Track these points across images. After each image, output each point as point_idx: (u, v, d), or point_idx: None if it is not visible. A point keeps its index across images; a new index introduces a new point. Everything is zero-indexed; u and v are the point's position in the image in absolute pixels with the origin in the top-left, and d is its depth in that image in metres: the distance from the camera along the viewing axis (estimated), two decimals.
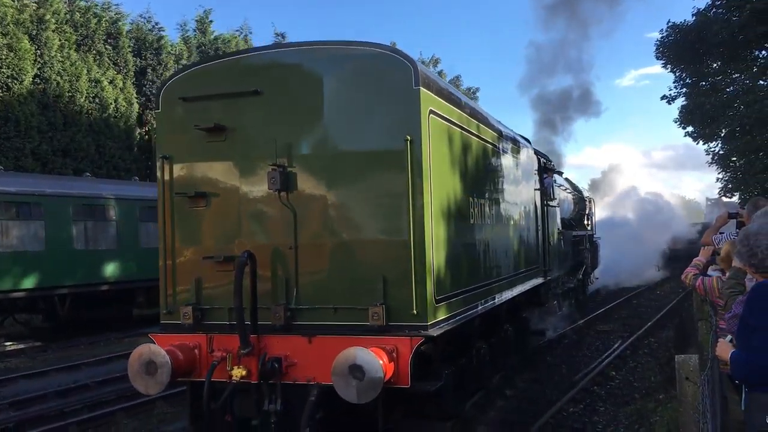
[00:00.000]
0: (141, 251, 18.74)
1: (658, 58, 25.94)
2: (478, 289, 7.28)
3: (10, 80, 22.52)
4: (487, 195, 7.99)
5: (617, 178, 53.27)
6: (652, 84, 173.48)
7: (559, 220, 14.64)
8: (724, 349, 3.44)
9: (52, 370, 12.61)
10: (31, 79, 23.44)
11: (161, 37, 30.75)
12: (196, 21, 34.62)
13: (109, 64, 27.57)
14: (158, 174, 6.44)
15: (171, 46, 30.99)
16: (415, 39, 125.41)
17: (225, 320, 6.07)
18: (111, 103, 26.58)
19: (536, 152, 12.15)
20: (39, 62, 23.89)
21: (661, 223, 38.34)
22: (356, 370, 5.16)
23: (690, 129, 25.79)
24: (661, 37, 25.15)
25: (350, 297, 5.77)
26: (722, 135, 24.54)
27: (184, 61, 30.70)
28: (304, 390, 5.60)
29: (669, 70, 25.99)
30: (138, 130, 28.76)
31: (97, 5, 28.19)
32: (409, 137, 5.64)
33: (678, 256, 33.40)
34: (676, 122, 26.13)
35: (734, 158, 24.74)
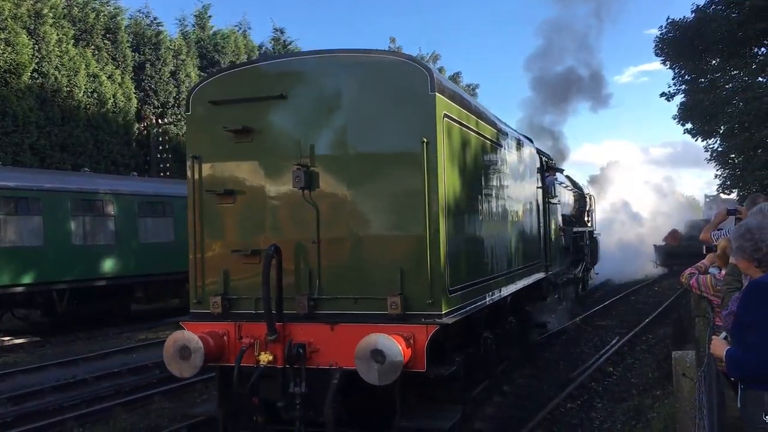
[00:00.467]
0: (139, 247, 18.75)
1: (657, 54, 25.93)
2: (486, 281, 7.67)
3: (8, 75, 22.48)
4: (493, 193, 8.36)
5: (616, 174, 53.29)
6: (650, 81, 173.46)
7: (560, 217, 14.98)
8: (719, 346, 3.43)
9: (50, 365, 12.62)
10: (29, 74, 23.39)
11: (160, 32, 30.72)
12: (195, 16, 34.65)
13: (108, 59, 27.52)
14: (188, 173, 6.81)
15: (170, 41, 30.95)
16: (414, 34, 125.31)
17: (251, 309, 6.42)
18: (109, 99, 26.54)
19: (538, 151, 12.44)
20: (37, 57, 23.85)
21: (653, 227, 38.65)
22: (378, 354, 5.57)
23: (689, 126, 25.77)
24: (661, 34, 25.13)
25: (369, 288, 6.15)
26: (721, 132, 24.54)
27: (182, 57, 30.68)
28: (326, 374, 6.00)
29: (668, 67, 25.98)
30: (136, 126, 28.73)
31: (95, 0, 28.14)
32: (425, 139, 6.02)
33: (677, 253, 33.47)
34: (675, 119, 26.14)
35: (733, 155, 24.74)
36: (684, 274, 5.84)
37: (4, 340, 15.95)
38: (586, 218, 21.70)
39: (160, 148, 28.92)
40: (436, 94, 6.14)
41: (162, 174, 27.97)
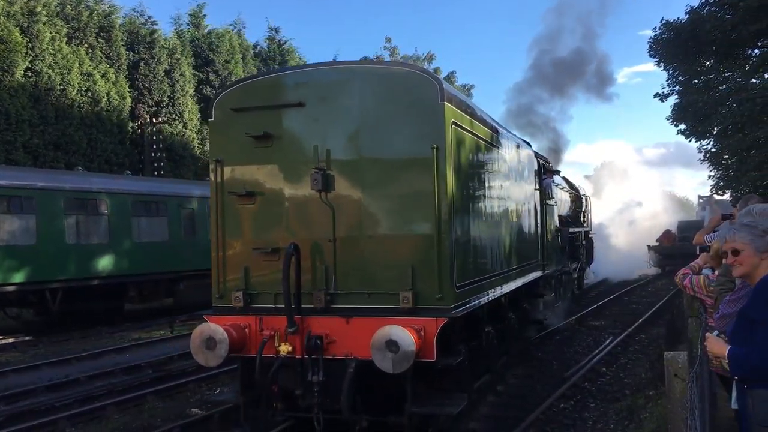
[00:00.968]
0: (133, 246, 18.70)
1: (651, 55, 25.95)
2: (488, 279, 8.10)
3: (1, 73, 22.40)
4: (495, 194, 8.76)
5: (610, 175, 53.44)
6: (644, 82, 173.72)
7: (556, 218, 15.40)
8: (717, 345, 3.29)
9: (42, 365, 12.57)
10: (22, 72, 23.30)
11: (154, 31, 30.65)
12: (190, 15, 34.60)
13: (102, 58, 27.44)
14: (211, 175, 7.25)
15: (164, 40, 30.88)
16: (410, 33, 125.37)
17: (270, 304, 6.86)
18: (103, 97, 26.46)
19: (536, 154, 12.88)
20: (30, 55, 23.75)
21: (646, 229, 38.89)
22: (392, 344, 6.02)
23: (682, 127, 25.81)
24: (655, 35, 25.16)
25: (382, 283, 6.57)
26: (714, 133, 24.57)
27: (177, 56, 30.62)
28: (342, 364, 6.42)
29: (662, 68, 26.04)
30: (130, 124, 28.65)
31: None
32: (435, 146, 6.44)
33: (670, 254, 33.61)
34: (668, 120, 26.19)
35: (726, 156, 24.79)
36: (678, 274, 5.85)
37: None
38: (582, 219, 21.98)
39: (154, 147, 28.85)
40: (445, 103, 6.55)
41: (156, 173, 27.91)
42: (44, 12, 24.52)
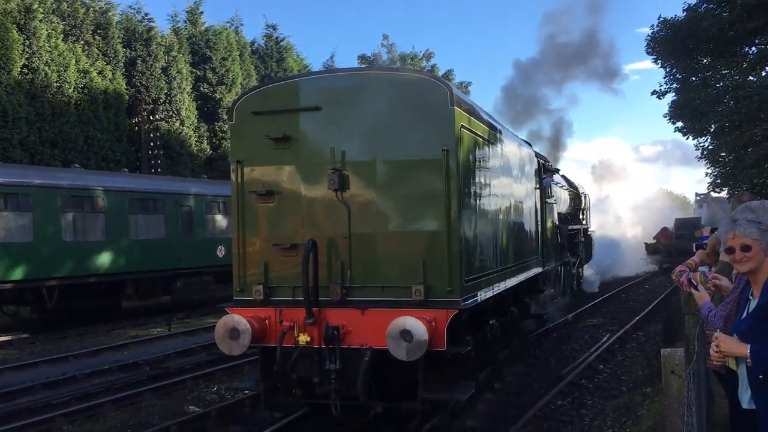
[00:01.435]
0: (130, 243, 18.67)
1: (648, 53, 25.97)
2: (493, 273, 8.50)
3: None
4: (499, 193, 9.13)
5: (607, 172, 53.51)
6: (641, 79, 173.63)
7: (555, 216, 15.76)
8: (733, 344, 3.15)
9: (40, 362, 12.56)
10: (19, 69, 23.23)
11: (151, 28, 30.56)
12: (187, 12, 34.50)
13: (98, 55, 27.36)
14: (232, 176, 7.61)
15: (161, 37, 30.80)
16: (407, 30, 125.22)
17: (289, 297, 7.21)
18: (100, 95, 26.38)
19: (536, 154, 13.26)
20: (27, 52, 23.68)
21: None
22: (406, 334, 6.38)
23: (680, 124, 25.86)
24: (652, 33, 25.17)
25: (395, 277, 6.94)
26: (712, 130, 24.60)
27: (174, 53, 30.55)
28: (358, 353, 6.78)
29: (660, 65, 26.05)
30: (127, 122, 28.58)
31: None
32: (445, 148, 6.83)
33: (667, 251, 33.67)
34: (665, 117, 26.21)
35: (723, 153, 24.81)
36: (675, 271, 5.85)
37: None
38: (581, 216, 22.14)
39: (151, 144, 28.79)
40: (455, 108, 6.93)
41: (153, 170, 27.86)
42: (41, 9, 24.43)
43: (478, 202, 7.90)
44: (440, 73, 50.33)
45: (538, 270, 12.21)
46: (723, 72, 24.65)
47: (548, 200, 14.14)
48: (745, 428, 3.42)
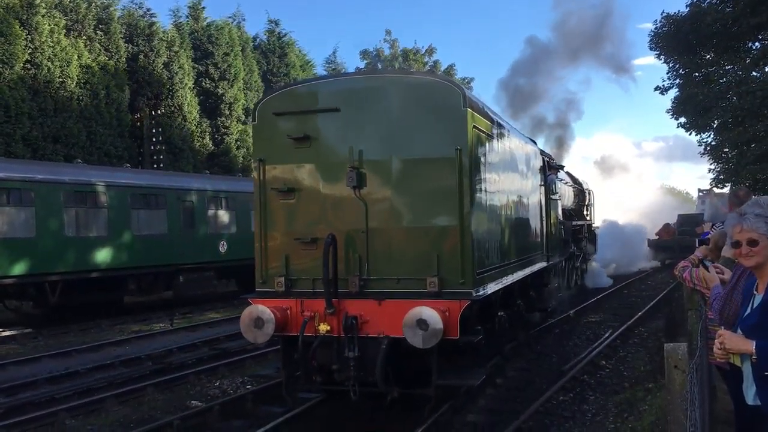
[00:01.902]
0: (132, 239, 18.69)
1: (651, 48, 25.88)
2: (503, 267, 8.87)
3: (0, 65, 22.31)
4: (506, 190, 9.47)
5: (609, 169, 53.37)
6: (644, 75, 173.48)
7: (560, 211, 16.12)
8: (738, 341, 3.15)
9: (42, 357, 12.59)
10: (21, 65, 23.21)
11: (153, 24, 30.49)
12: (189, 7, 34.44)
13: (100, 50, 27.33)
14: (254, 174, 8.01)
15: (163, 32, 30.75)
16: (410, 25, 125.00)
17: (309, 288, 7.59)
18: (102, 90, 26.37)
19: (542, 152, 13.75)
20: (30, 47, 23.66)
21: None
22: (422, 323, 6.74)
23: (683, 120, 25.79)
24: (655, 28, 25.09)
25: (411, 270, 7.32)
26: (714, 126, 24.54)
27: (176, 48, 30.51)
28: (375, 341, 7.15)
29: (663, 61, 25.98)
30: (129, 117, 28.56)
31: None
32: (458, 147, 7.21)
33: (670, 247, 33.61)
34: (668, 113, 26.13)
35: (726, 149, 24.75)
36: (677, 267, 5.84)
37: None
38: (585, 212, 22.26)
39: (153, 139, 28.78)
40: (468, 109, 7.31)
41: (155, 166, 27.86)
42: (43, 4, 24.38)
43: (487, 198, 8.21)
44: (442, 68, 50.30)
45: (543, 264, 12.50)
46: (726, 68, 24.56)
47: (553, 196, 14.42)
48: (750, 424, 3.41)
